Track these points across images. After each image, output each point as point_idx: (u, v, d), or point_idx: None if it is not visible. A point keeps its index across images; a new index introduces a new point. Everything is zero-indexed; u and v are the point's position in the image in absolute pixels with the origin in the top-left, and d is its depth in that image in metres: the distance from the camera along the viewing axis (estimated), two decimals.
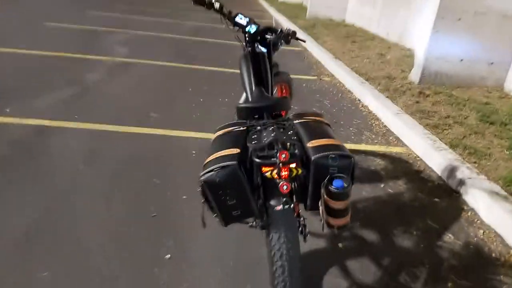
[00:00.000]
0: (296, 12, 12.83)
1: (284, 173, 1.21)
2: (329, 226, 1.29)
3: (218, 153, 1.28)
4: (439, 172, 2.99)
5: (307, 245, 2.02)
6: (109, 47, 6.04)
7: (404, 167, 3.07)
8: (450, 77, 4.99)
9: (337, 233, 1.32)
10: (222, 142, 1.36)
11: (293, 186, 1.36)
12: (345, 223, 1.29)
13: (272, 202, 1.29)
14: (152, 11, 10.78)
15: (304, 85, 5.13)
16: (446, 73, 4.97)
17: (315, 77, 5.61)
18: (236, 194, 1.24)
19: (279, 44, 2.27)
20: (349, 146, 3.35)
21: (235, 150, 1.27)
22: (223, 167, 1.21)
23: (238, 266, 1.87)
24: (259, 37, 2.15)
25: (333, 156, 1.22)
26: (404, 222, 2.35)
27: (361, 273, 1.91)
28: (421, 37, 5.00)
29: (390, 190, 2.71)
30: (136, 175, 2.56)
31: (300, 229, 1.53)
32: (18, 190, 2.28)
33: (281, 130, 1.35)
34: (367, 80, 5.15)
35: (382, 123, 3.99)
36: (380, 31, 8.82)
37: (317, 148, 1.24)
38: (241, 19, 2.17)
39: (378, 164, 3.08)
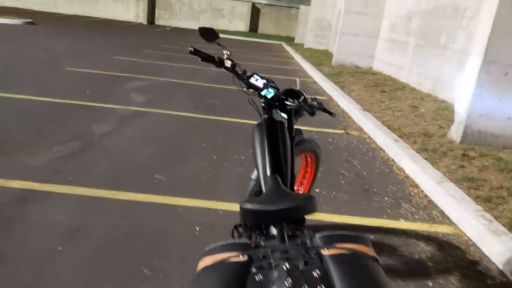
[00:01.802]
0: (321, 59, 12.66)
1: None
2: None
3: None
4: (500, 265, 2.40)
5: None
6: (124, 95, 5.82)
7: (455, 256, 2.49)
8: (496, 137, 4.42)
9: None
10: (207, 285, 0.88)
11: None
12: None
13: None
14: (175, 56, 10.78)
15: (329, 140, 4.66)
16: (492, 133, 4.42)
17: (342, 131, 5.15)
18: None
19: (303, 112, 1.84)
20: (383, 222, 2.82)
21: None
22: None
23: None
24: (277, 103, 1.74)
25: None
26: None
27: None
28: (463, 92, 4.51)
29: None
30: (122, 261, 2.09)
31: None
32: None
33: (303, 270, 0.86)
34: (400, 137, 4.65)
35: (422, 191, 3.43)
36: (411, 80, 8.39)
37: None
38: (257, 81, 1.78)
39: (423, 250, 2.51)
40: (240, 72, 1.78)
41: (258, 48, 16.67)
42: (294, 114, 1.80)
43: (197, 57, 1.83)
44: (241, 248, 0.94)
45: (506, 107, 4.33)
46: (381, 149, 4.54)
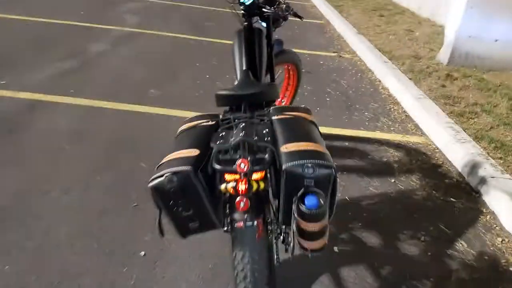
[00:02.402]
0: None
1: (242, 187, 0.99)
2: (302, 248, 1.08)
3: (174, 153, 1.07)
4: (459, 168, 2.70)
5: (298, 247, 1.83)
6: (118, 16, 5.82)
7: (420, 160, 2.79)
8: (482, 59, 4.55)
9: (311, 256, 1.11)
10: (183, 139, 1.14)
11: (264, 197, 1.14)
12: (320, 247, 1.07)
13: (234, 216, 1.08)
14: None
15: (321, 62, 4.79)
16: (478, 55, 4.53)
17: (335, 54, 5.25)
18: (191, 204, 1.03)
19: (281, 20, 2.00)
20: (361, 133, 3.09)
21: (194, 152, 1.05)
22: (175, 172, 1.00)
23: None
24: (258, 10, 1.89)
25: (309, 165, 0.98)
26: (412, 225, 2.11)
27: (356, 284, 1.70)
28: (453, 13, 4.54)
29: (401, 186, 2.46)
30: (123, 158, 2.39)
31: (282, 237, 1.32)
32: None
33: (255, 127, 1.12)
34: (390, 59, 4.77)
35: (402, 108, 3.66)
36: (412, 4, 8.22)
37: (292, 154, 1.00)
38: None
39: (392, 155, 2.81)
40: None
41: None
42: (272, 23, 1.96)
43: None
44: (212, 117, 1.20)
45: (494, 29, 4.40)
46: (370, 70, 4.69)
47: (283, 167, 0.98)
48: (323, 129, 3.05)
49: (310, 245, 1.03)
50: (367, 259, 1.84)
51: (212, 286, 1.61)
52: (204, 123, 1.17)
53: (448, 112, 3.34)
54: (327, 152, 1.05)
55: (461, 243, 2.02)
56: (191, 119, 1.21)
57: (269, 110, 1.22)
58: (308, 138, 1.07)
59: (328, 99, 3.69)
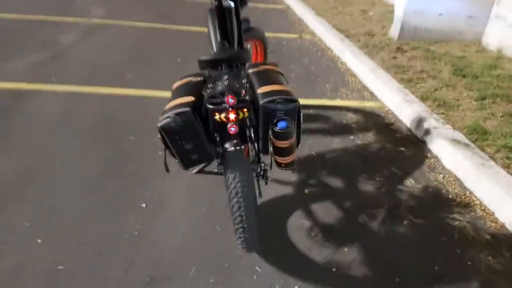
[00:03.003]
0: None
1: (232, 116, 1.31)
2: (278, 164, 1.41)
3: (174, 101, 1.37)
4: (408, 124, 3.11)
5: (276, 191, 2.17)
6: (83, 8, 5.91)
7: (375, 121, 3.18)
8: (429, 32, 5.01)
9: (285, 170, 1.45)
10: (179, 91, 1.45)
11: (248, 132, 1.45)
12: (291, 161, 1.41)
13: (226, 145, 1.40)
14: None
15: (284, 43, 5.13)
16: (425, 28, 4.99)
17: (296, 35, 5.59)
18: (191, 139, 1.33)
19: (246, 1, 2.29)
20: (323, 101, 3.45)
21: (190, 98, 1.35)
22: (178, 113, 1.30)
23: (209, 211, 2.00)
24: None
25: (279, 100, 1.31)
26: (368, 170, 2.48)
27: (324, 215, 2.05)
28: None
29: (359, 141, 2.83)
30: (111, 132, 2.64)
31: (262, 173, 1.65)
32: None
33: (236, 79, 1.43)
34: (347, 37, 5.16)
35: (359, 79, 4.06)
36: None
37: (266, 94, 1.33)
38: None
39: (350, 118, 3.18)
40: None
41: None
42: (240, 2, 2.26)
43: None
44: (199, 75, 1.50)
45: (437, 4, 4.87)
46: (329, 49, 5.07)
47: (260, 103, 1.30)
48: None
49: (283, 160, 1.36)
50: (332, 197, 2.20)
51: (205, 224, 1.91)
52: (194, 79, 1.47)
53: (399, 79, 3.75)
54: (292, 91, 1.38)
55: (409, 181, 2.42)
56: (183, 77, 1.51)
57: (245, 66, 1.54)
58: (277, 82, 1.40)
59: (292, 74, 4.03)
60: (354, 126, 3.06)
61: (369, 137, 2.91)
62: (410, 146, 2.81)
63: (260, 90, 1.36)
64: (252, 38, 2.70)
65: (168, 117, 1.30)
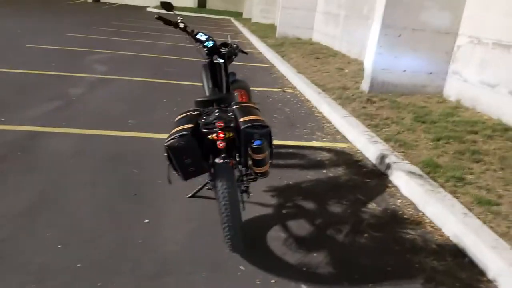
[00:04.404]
0: (267, 32, 13.63)
1: (220, 135, 1.78)
2: (255, 173, 1.86)
3: (177, 128, 1.84)
4: (373, 160, 3.60)
5: (258, 211, 2.59)
6: (88, 66, 6.55)
7: (345, 158, 3.67)
8: (395, 86, 5.70)
9: (261, 178, 1.92)
10: (181, 121, 1.93)
11: (234, 153, 1.92)
12: (265, 171, 1.86)
13: (216, 160, 1.85)
14: (127, 32, 11.34)
15: (268, 96, 5.75)
16: (392, 83, 5.69)
17: (279, 89, 6.25)
18: (190, 155, 1.79)
19: (233, 57, 2.86)
20: (301, 143, 3.95)
21: (190, 125, 1.84)
22: (180, 135, 1.77)
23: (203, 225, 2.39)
24: (217, 50, 2.73)
25: (256, 126, 1.80)
26: (337, 196, 2.92)
27: (298, 229, 2.45)
28: (369, 51, 5.72)
29: (330, 174, 3.29)
30: (117, 166, 3.06)
31: (245, 189, 2.09)
32: (18, 176, 2.74)
33: (224, 112, 1.93)
34: (324, 90, 5.81)
35: (333, 125, 4.61)
36: (343, 48, 9.63)
37: (246, 122, 1.83)
38: (201, 36, 2.74)
39: (324, 156, 3.67)
40: (189, 31, 2.74)
41: (207, 24, 17.33)
42: (227, 58, 2.81)
43: (160, 21, 2.74)
44: (196, 111, 1.99)
45: (401, 62, 5.60)
46: (307, 100, 5.69)
47: (242, 128, 1.78)
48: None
49: (259, 169, 1.81)
50: (305, 216, 2.61)
51: (198, 235, 2.29)
52: (192, 113, 1.97)
53: (367, 125, 4.30)
54: (265, 120, 1.86)
55: (372, 204, 2.85)
56: (183, 112, 2.01)
57: (231, 104, 2.04)
58: (254, 114, 1.90)
59: (275, 121, 4.57)
60: (327, 162, 3.53)
61: (339, 171, 3.37)
62: (374, 178, 3.28)
63: (242, 119, 1.85)
64: (238, 88, 3.24)
65: (173, 138, 1.77)
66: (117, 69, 6.54)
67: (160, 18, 2.72)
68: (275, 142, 3.91)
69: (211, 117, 1.85)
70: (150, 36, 11.00)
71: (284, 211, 2.65)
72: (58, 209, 2.44)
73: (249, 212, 2.53)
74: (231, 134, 1.82)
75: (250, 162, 1.82)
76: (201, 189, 2.61)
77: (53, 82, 5.35)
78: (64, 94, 4.79)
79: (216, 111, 1.92)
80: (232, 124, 1.83)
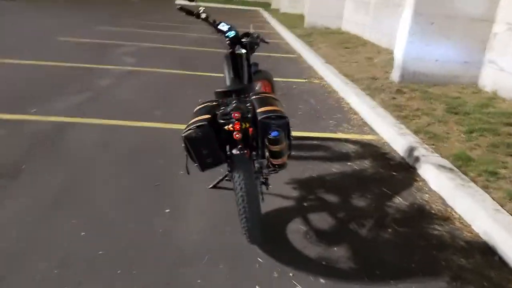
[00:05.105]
0: (295, 22, 13.45)
1: (237, 126, 1.76)
2: (272, 165, 1.82)
3: (195, 118, 1.83)
4: (401, 153, 3.48)
5: (279, 203, 2.56)
6: (116, 58, 6.67)
7: (372, 150, 3.57)
8: (427, 76, 5.48)
9: (278, 171, 1.90)
10: (199, 112, 1.92)
11: (253, 142, 1.89)
12: (282, 163, 1.82)
13: (233, 150, 1.83)
14: (156, 25, 11.48)
15: (294, 87, 5.67)
16: (423, 73, 5.47)
17: (305, 80, 6.15)
18: (207, 146, 1.78)
19: (255, 47, 2.81)
20: (325, 134, 3.87)
21: (207, 116, 1.82)
22: (198, 126, 1.76)
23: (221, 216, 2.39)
24: (238, 41, 2.70)
25: (273, 116, 1.76)
26: (362, 190, 2.84)
27: (319, 223, 2.40)
28: (400, 40, 5.52)
29: (356, 167, 3.21)
30: (142, 156, 3.10)
31: (264, 181, 2.06)
32: (46, 166, 2.83)
33: (242, 103, 1.90)
34: (352, 81, 5.67)
35: (360, 117, 4.49)
36: (373, 36, 9.37)
37: (263, 112, 1.79)
38: (223, 26, 2.71)
39: (349, 148, 3.58)
40: (211, 21, 2.72)
41: (235, 15, 17.30)
42: (249, 49, 2.77)
43: (182, 12, 2.72)
44: (214, 101, 1.97)
45: (433, 51, 5.37)
46: (335, 91, 5.57)
47: (259, 119, 1.74)
48: (296, 133, 3.83)
49: (276, 161, 1.77)
50: (327, 209, 2.56)
51: (217, 226, 2.29)
52: (210, 103, 1.95)
53: (396, 116, 4.16)
54: (283, 110, 1.82)
55: (397, 198, 2.76)
56: (203, 102, 2.00)
57: (250, 94, 2.01)
58: (272, 104, 1.86)
59: (299, 112, 4.50)
60: (353, 154, 3.44)
61: (365, 163, 3.28)
62: (401, 171, 3.17)
63: (259, 110, 1.81)
64: (260, 79, 3.19)
65: (190, 129, 1.76)
66: (144, 61, 6.64)
67: (182, 8, 2.71)
68: (298, 133, 3.90)
69: (229, 108, 1.83)
70: (178, 28, 11.08)
71: (305, 204, 2.60)
72: (83, 198, 2.50)
73: (270, 204, 2.50)
74: (247, 125, 1.79)
75: (267, 154, 1.79)
76: (222, 180, 2.60)
77: (83, 74, 5.49)
78: (93, 86, 4.90)
79: (234, 101, 1.90)
80: (249, 115, 1.80)
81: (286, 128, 1.81)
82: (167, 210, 2.41)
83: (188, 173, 1.90)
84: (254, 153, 1.94)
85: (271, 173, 2.22)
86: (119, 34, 9.38)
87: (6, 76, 5.18)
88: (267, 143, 1.74)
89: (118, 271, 1.89)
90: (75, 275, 1.85)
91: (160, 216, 2.35)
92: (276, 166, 1.85)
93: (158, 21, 12.41)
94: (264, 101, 1.88)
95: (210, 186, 2.61)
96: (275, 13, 18.00)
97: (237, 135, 1.75)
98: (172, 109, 4.28)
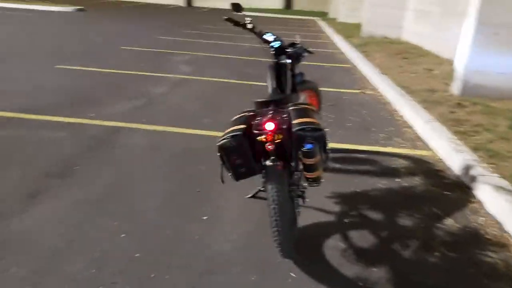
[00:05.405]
0: (352, 32, 13.18)
1: (269, 137, 1.73)
2: (306, 179, 1.77)
3: (230, 128, 1.83)
4: (456, 171, 3.25)
5: (317, 217, 2.48)
6: (172, 66, 6.94)
7: (424, 167, 3.36)
8: (490, 90, 5.09)
9: (312, 185, 1.84)
10: (235, 121, 1.92)
11: (287, 154, 1.85)
12: (316, 176, 1.76)
13: (266, 162, 1.80)
14: (214, 35, 11.82)
15: (345, 97, 5.53)
16: (486, 86, 5.09)
17: (358, 91, 5.98)
18: (241, 155, 1.77)
19: (301, 57, 2.78)
20: (375, 148, 3.71)
21: (242, 126, 1.81)
22: (232, 136, 1.76)
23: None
24: (283, 51, 2.68)
25: (308, 129, 1.71)
26: (409, 208, 2.68)
27: (359, 240, 2.29)
28: (461, 51, 5.20)
29: (405, 183, 3.04)
30: (187, 162, 3.17)
31: (300, 194, 2.02)
32: (97, 167, 2.99)
33: (278, 113, 1.87)
34: (408, 93, 5.42)
35: (414, 130, 4.26)
36: (434, 47, 8.92)
37: (298, 124, 1.75)
38: (269, 37, 2.72)
39: (400, 163, 3.40)
40: (257, 31, 2.73)
41: (290, 25, 17.34)
42: (294, 59, 2.75)
43: (229, 22, 2.76)
44: (253, 111, 1.96)
45: (497, 63, 4.99)
46: (388, 103, 5.35)
47: (293, 130, 1.71)
48: (342, 145, 3.73)
49: (310, 175, 1.72)
50: (369, 227, 2.43)
51: (253, 236, 2.26)
52: (247, 114, 1.95)
53: (453, 131, 3.90)
54: (320, 123, 1.77)
55: (449, 220, 2.56)
56: (241, 112, 2.00)
57: (289, 105, 1.98)
58: (309, 116, 1.81)
59: (349, 124, 4.38)
60: (403, 170, 3.27)
61: (415, 180, 3.10)
62: (455, 191, 2.95)
63: (295, 121, 1.78)
64: (306, 89, 3.15)
65: (225, 138, 1.77)
66: (199, 69, 6.84)
67: (229, 19, 2.75)
68: (345, 145, 3.78)
69: (265, 119, 1.81)
70: (235, 38, 11.32)
71: (346, 220, 2.50)
72: (127, 200, 2.60)
73: (308, 217, 2.44)
74: (280, 136, 1.76)
75: (301, 167, 1.74)
76: (261, 190, 2.58)
77: (140, 81, 5.77)
78: (148, 93, 5.13)
79: (271, 112, 1.88)
80: (284, 126, 1.77)
81: (322, 141, 1.75)
82: (204, 217, 2.43)
83: (223, 182, 1.91)
84: (290, 164, 1.90)
85: (313, 186, 2.15)
86: (177, 43, 9.77)
87: (72, 82, 5.58)
88: (300, 156, 1.69)
89: (152, 275, 1.93)
90: (110, 276, 1.91)
91: (197, 223, 2.38)
92: (310, 180, 1.80)
93: (218, 31, 12.78)
94: (300, 113, 1.84)
95: (249, 196, 2.60)
96: (332, 22, 17.79)
97: (269, 146, 1.73)
98: (220, 118, 4.34)
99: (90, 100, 4.71)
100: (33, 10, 16.26)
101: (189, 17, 18.60)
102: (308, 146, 1.66)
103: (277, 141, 1.77)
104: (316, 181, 1.80)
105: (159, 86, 5.52)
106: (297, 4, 26.79)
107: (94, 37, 10.01)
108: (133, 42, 9.36)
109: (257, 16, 22.02)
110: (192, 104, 4.82)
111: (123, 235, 2.22)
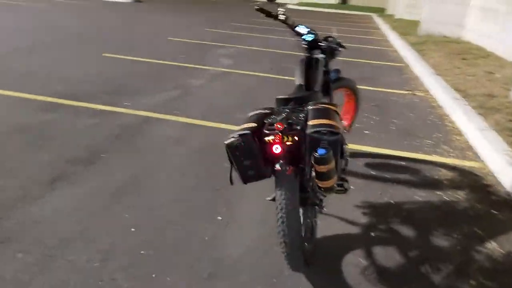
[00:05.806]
0: (409, 29, 12.48)
1: (277, 138, 1.56)
2: (318, 187, 1.57)
3: (241, 126, 1.68)
4: (508, 188, 2.88)
5: (340, 228, 2.28)
6: (213, 59, 6.90)
7: (471, 180, 3.02)
8: None
9: (326, 194, 1.62)
10: (248, 119, 1.75)
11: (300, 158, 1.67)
12: (329, 186, 1.55)
13: (276, 166, 1.63)
14: (262, 28, 11.67)
15: (393, 98, 5.17)
16: None
17: (408, 92, 5.57)
18: (249, 157, 1.61)
19: (336, 52, 2.57)
20: (417, 155, 3.40)
21: (253, 124, 1.65)
22: (240, 134, 1.60)
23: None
24: (317, 45, 2.49)
25: (324, 131, 1.51)
26: (447, 226, 2.39)
27: (384, 259, 2.06)
28: None
29: (446, 197, 2.73)
30: (211, 158, 3.07)
31: (318, 202, 1.83)
32: (121, 157, 2.97)
33: (295, 113, 1.69)
34: (463, 97, 4.96)
35: (465, 138, 3.87)
36: (499, 49, 8.18)
37: (314, 125, 1.55)
38: (302, 29, 2.53)
39: (443, 174, 3.08)
40: (289, 23, 2.55)
41: (345, 20, 16.80)
42: (328, 54, 2.54)
43: (261, 13, 2.60)
44: (271, 109, 1.79)
45: None
46: (440, 106, 4.93)
47: (307, 132, 1.52)
48: (382, 150, 3.45)
49: (322, 183, 1.52)
50: (398, 244, 2.19)
51: (267, 243, 2.11)
52: (263, 111, 1.78)
53: (510, 142, 3.48)
54: (339, 126, 1.56)
55: (491, 243, 2.25)
56: (257, 109, 1.83)
57: (309, 104, 1.78)
58: (327, 117, 1.61)
59: (393, 127, 4.06)
60: (446, 182, 2.95)
61: (459, 195, 2.78)
62: (504, 210, 2.61)
63: (310, 122, 1.58)
64: (342, 87, 2.92)
65: (233, 137, 1.61)
66: (240, 63, 6.73)
67: (260, 9, 2.60)
68: (385, 150, 3.49)
69: (279, 118, 1.64)
70: (282, 32, 11.10)
71: (372, 234, 2.27)
72: (143, 193, 2.54)
73: (330, 227, 2.25)
74: (290, 138, 1.58)
75: (313, 174, 1.54)
76: None
77: (180, 73, 5.77)
78: (185, 85, 5.10)
79: (287, 110, 1.70)
80: (297, 127, 1.58)
81: (337, 147, 1.53)
82: (219, 218, 2.31)
83: (232, 184, 1.76)
84: (304, 169, 1.70)
85: (341, 193, 1.92)
86: (222, 35, 9.74)
87: (115, 70, 5.69)
88: (312, 162, 1.50)
89: (153, 275, 1.84)
90: (111, 272, 1.84)
91: (210, 223, 2.26)
92: (321, 189, 1.59)
93: (266, 25, 12.63)
94: (319, 113, 1.64)
95: (270, 198, 2.43)
96: (389, 18, 16.98)
97: (276, 149, 1.55)
98: None
99: (128, 88, 4.76)
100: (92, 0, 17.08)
101: (241, 10, 18.59)
102: (320, 152, 1.46)
103: (288, 143, 1.59)
104: (328, 190, 1.60)
105: (197, 78, 5.48)
106: (354, 0, 25.97)
107: (145, 28, 10.25)
108: (180, 33, 9.46)
109: (312, 11, 21.61)
110: (227, 98, 4.72)
111: (132, 229, 2.16)
